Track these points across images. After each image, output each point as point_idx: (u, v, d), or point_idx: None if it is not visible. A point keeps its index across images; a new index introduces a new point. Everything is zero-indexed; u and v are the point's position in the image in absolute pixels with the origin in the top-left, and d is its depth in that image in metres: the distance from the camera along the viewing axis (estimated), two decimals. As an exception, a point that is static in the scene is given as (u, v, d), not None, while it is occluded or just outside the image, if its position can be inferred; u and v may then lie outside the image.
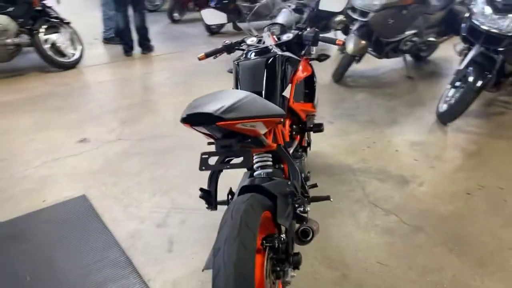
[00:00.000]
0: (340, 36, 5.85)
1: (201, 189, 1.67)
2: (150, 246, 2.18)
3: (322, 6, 2.38)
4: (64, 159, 3.05)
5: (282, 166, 1.94)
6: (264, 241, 1.53)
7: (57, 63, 4.94)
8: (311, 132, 2.94)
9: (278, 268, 1.55)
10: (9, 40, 4.52)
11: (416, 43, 4.64)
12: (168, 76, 4.97)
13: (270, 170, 1.81)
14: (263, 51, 1.97)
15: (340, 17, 5.59)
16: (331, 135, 3.43)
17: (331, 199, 1.99)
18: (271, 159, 1.84)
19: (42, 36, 4.74)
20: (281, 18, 5.53)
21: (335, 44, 2.18)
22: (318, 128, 2.22)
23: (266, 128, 1.50)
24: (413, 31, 4.54)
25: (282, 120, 1.60)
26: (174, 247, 2.16)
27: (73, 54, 5.11)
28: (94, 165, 2.98)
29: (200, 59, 2.27)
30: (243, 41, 2.24)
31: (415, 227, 2.32)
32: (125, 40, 5.54)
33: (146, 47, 5.71)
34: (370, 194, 2.63)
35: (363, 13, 4.30)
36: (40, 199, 2.56)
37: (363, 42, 4.32)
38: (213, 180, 1.72)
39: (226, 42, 2.25)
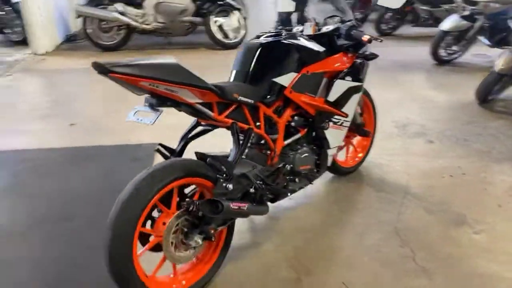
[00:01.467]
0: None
1: (161, 145, 1.87)
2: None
3: (381, 2, 2.16)
4: (168, 115, 3.65)
5: (269, 152, 1.95)
6: (183, 201, 1.65)
7: (220, 43, 5.73)
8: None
9: (186, 230, 1.64)
10: (186, 18, 5.52)
11: None
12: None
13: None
14: (273, 36, 1.99)
15: (524, 31, 4.60)
16: (417, 154, 3.01)
17: (289, 195, 1.90)
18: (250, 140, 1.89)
19: (213, 18, 5.58)
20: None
21: (361, 41, 2.00)
22: (335, 127, 2.09)
23: (198, 98, 1.59)
24: None
25: (235, 97, 1.66)
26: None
27: (236, 37, 5.82)
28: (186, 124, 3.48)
29: None
30: (291, 29, 2.27)
31: (424, 270, 1.93)
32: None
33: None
34: (403, 221, 2.28)
35: (528, 25, 3.48)
36: (127, 138, 3.21)
37: (520, 60, 3.51)
38: (183, 140, 1.89)
39: (279, 28, 2.31)
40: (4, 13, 5.80)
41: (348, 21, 2.16)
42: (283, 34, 2.01)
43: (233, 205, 1.65)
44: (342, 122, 2.22)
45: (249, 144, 1.91)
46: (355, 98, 2.25)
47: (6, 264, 1.97)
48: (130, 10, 5.44)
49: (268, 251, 2.06)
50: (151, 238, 1.64)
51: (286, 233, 2.19)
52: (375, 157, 2.90)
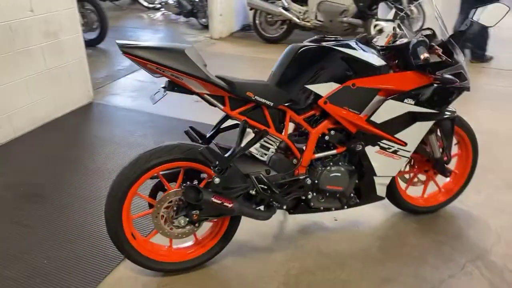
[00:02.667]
0: None
1: (191, 128, 1.97)
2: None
3: (478, 18, 1.77)
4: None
5: (295, 160, 1.89)
6: (183, 184, 1.78)
7: (377, 48, 5.44)
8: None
9: (175, 208, 1.76)
10: (345, 19, 5.42)
11: None
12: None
13: (267, 152, 1.85)
14: (332, 41, 1.85)
15: None
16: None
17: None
18: (275, 145, 1.86)
19: (373, 21, 5.32)
20: None
21: (419, 59, 1.68)
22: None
23: (204, 89, 1.65)
24: None
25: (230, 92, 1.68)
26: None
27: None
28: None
29: None
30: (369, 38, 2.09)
31: None
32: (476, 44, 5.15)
33: (476, 55, 5.14)
34: (449, 285, 1.86)
35: None
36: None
37: None
38: (214, 129, 1.97)
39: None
40: (198, 0, 6.84)
41: (425, 35, 1.84)
42: (341, 39, 1.86)
43: (215, 199, 1.69)
44: (397, 151, 1.93)
45: (274, 149, 1.88)
46: (421, 126, 1.92)
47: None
48: (294, 6, 5.68)
49: (274, 261, 2.01)
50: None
51: (304, 250, 2.07)
52: (468, 204, 2.40)
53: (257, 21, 6.04)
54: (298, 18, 5.68)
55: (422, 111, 1.88)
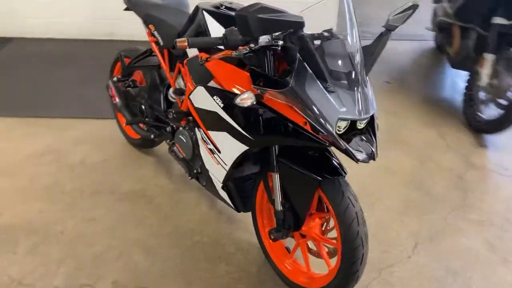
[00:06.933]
0: None
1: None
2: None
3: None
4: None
5: None
6: None
7: None
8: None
9: None
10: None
11: None
12: None
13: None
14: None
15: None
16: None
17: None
18: None
19: None
20: None
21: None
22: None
23: None
24: None
25: None
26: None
27: None
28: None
29: None
30: None
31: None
32: None
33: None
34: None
35: None
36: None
37: None
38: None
39: None
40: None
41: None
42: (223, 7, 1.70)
43: (109, 90, 2.33)
44: (213, 151, 1.67)
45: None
46: (229, 140, 1.54)
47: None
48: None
49: (144, 179, 2.36)
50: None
51: (171, 195, 2.25)
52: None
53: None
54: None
55: (228, 121, 1.52)
